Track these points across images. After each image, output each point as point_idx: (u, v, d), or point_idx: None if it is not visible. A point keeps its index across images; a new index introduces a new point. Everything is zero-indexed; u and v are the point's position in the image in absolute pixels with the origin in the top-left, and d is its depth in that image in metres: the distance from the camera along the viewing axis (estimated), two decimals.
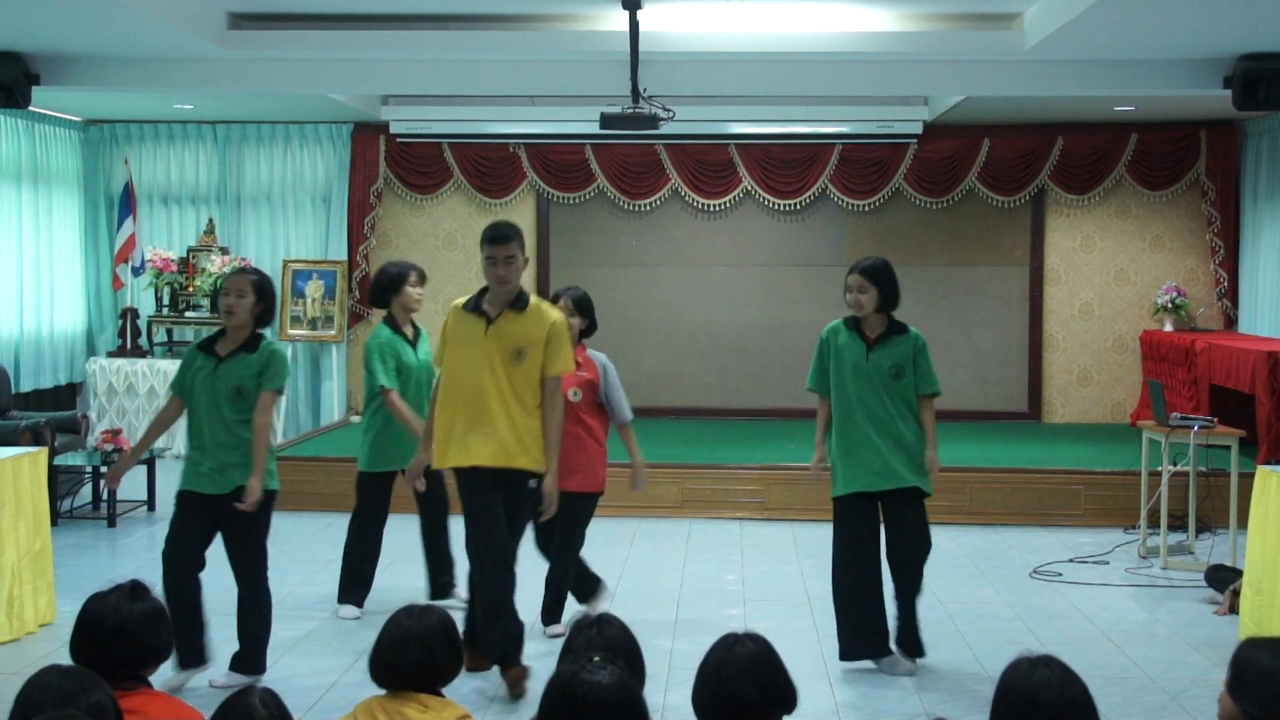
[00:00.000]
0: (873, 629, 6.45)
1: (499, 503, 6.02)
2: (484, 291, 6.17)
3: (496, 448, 5.99)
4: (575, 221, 13.55)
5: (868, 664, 6.50)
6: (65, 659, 3.49)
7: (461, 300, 6.27)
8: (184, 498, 6.14)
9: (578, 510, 6.91)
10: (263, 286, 6.25)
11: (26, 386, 12.39)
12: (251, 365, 6.11)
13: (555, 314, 6.23)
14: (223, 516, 6.08)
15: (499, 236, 6.10)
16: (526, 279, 13.33)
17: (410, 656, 3.69)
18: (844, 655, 6.47)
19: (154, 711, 3.48)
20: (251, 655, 6.18)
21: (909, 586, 6.45)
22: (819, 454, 6.70)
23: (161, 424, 6.32)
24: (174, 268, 12.95)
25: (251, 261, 13.22)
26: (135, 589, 3.75)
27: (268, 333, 6.42)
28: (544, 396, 6.08)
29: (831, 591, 6.56)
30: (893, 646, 6.47)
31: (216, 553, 6.16)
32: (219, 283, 12.82)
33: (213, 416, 6.06)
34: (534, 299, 6.24)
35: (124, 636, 3.62)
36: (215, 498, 6.06)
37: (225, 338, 6.20)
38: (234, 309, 6.12)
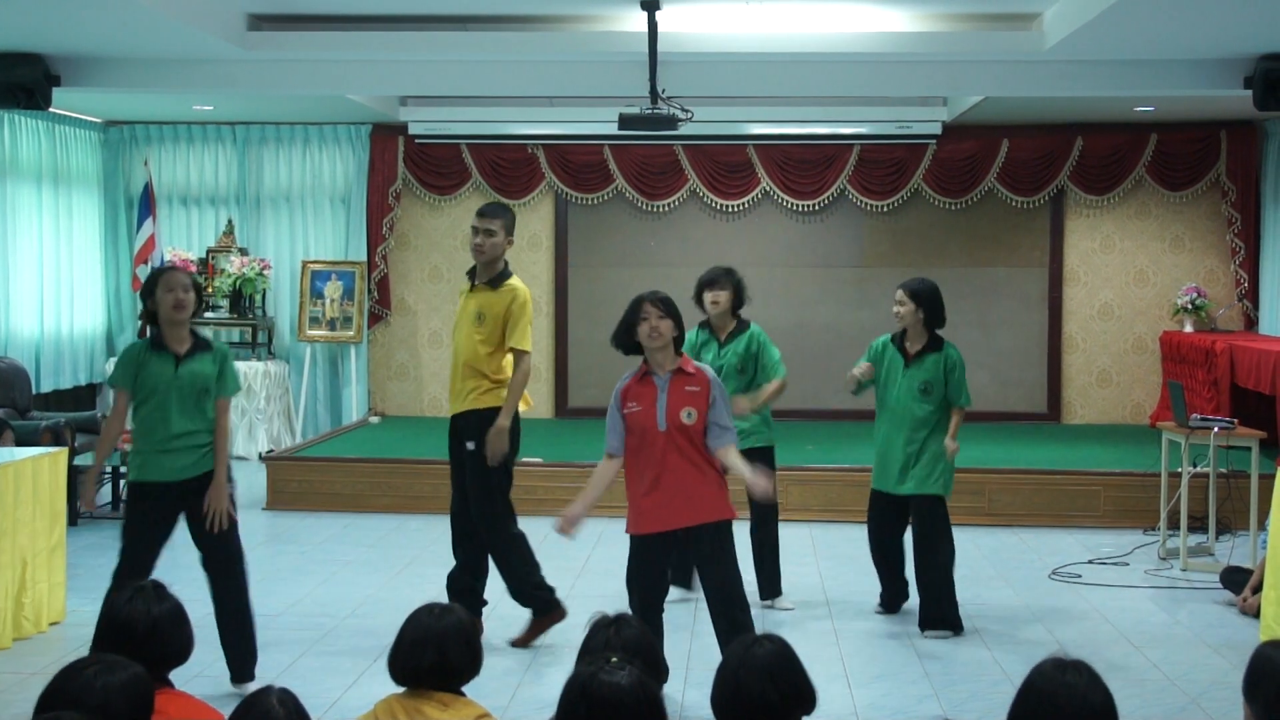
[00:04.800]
0: (889, 594, 7.62)
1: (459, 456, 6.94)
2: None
3: (453, 397, 6.95)
4: (593, 222, 13.55)
5: (886, 666, 6.59)
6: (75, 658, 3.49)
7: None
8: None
9: (719, 544, 5.83)
10: (198, 283, 6.20)
11: (46, 387, 12.43)
12: (214, 364, 6.08)
13: (519, 289, 6.87)
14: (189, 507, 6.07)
15: (482, 211, 6.92)
16: (544, 278, 13.44)
17: (426, 655, 3.69)
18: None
19: (175, 711, 3.49)
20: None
21: (928, 578, 7.27)
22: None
23: (116, 431, 6.30)
24: (193, 268, 12.98)
25: (271, 262, 13.25)
26: (158, 589, 3.78)
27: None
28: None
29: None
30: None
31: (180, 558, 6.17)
32: (238, 284, 12.86)
33: (169, 415, 6.01)
34: (512, 279, 6.91)
35: (156, 637, 3.66)
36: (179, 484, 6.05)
37: (169, 338, 6.05)
38: (185, 304, 5.99)
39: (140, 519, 6.06)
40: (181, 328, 6.04)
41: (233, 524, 6.08)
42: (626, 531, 5.84)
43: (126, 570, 5.94)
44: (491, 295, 6.82)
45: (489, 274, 6.85)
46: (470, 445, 6.80)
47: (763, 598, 7.67)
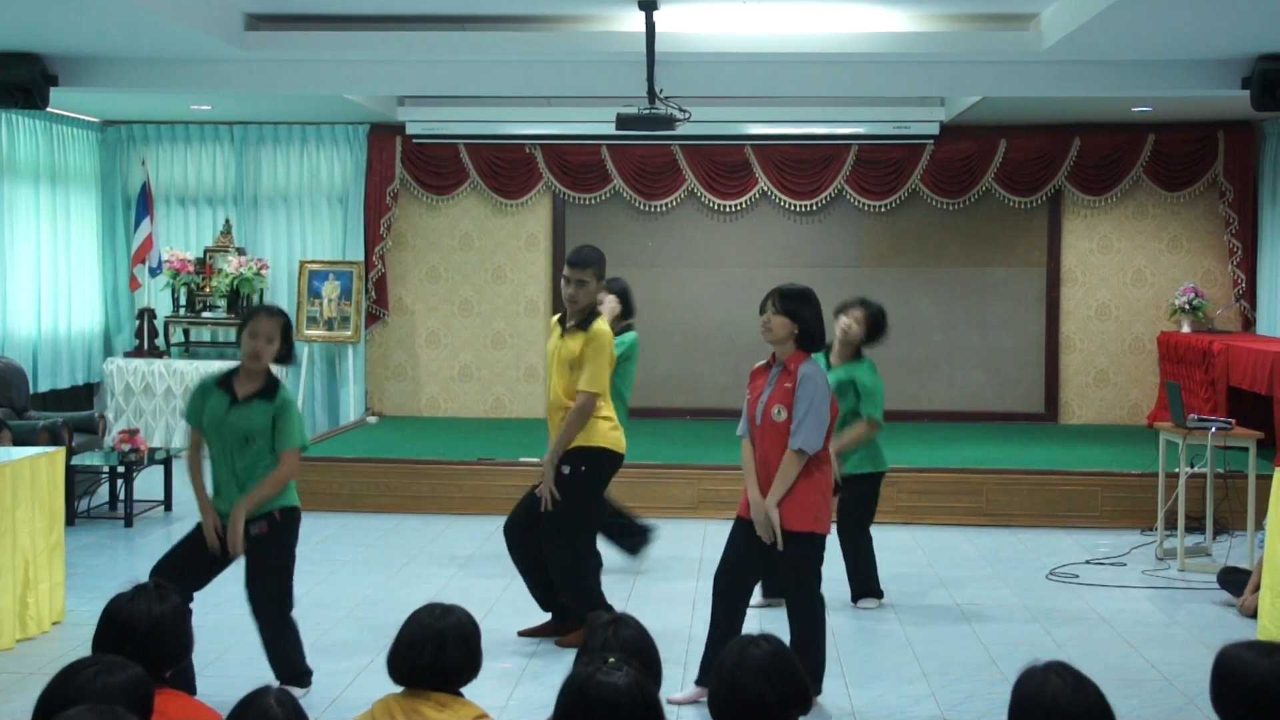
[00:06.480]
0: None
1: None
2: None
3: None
4: (591, 222, 13.54)
5: (884, 666, 6.59)
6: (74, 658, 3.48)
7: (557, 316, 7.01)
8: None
9: (789, 552, 5.81)
10: (288, 329, 6.04)
11: (44, 386, 12.43)
12: (267, 414, 5.89)
13: (599, 331, 6.76)
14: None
15: (573, 260, 6.84)
16: (542, 279, 13.44)
17: (424, 655, 3.69)
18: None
19: (173, 711, 3.49)
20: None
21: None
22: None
23: (195, 464, 6.04)
24: (191, 268, 12.98)
25: (268, 262, 13.24)
26: (159, 588, 3.77)
27: (283, 373, 6.21)
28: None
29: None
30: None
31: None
32: (236, 283, 12.85)
33: (224, 456, 5.92)
34: (599, 321, 6.83)
35: (157, 637, 3.66)
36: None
37: (241, 376, 5.95)
38: (262, 354, 5.89)
39: (193, 532, 5.96)
40: (255, 374, 5.94)
41: (281, 578, 6.07)
42: None
43: (161, 566, 5.84)
44: (582, 337, 6.76)
45: (578, 318, 6.82)
46: (565, 469, 6.74)
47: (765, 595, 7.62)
